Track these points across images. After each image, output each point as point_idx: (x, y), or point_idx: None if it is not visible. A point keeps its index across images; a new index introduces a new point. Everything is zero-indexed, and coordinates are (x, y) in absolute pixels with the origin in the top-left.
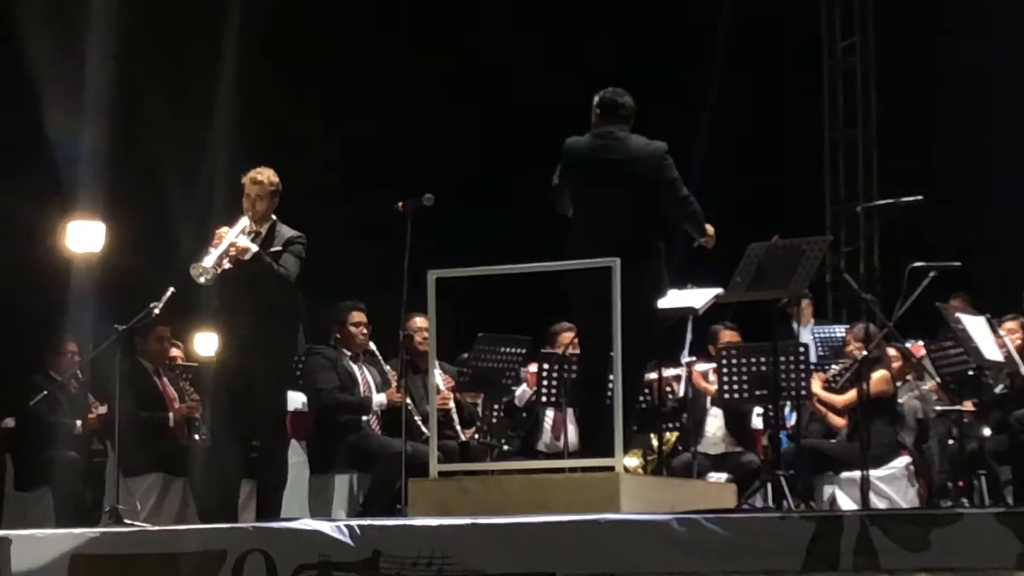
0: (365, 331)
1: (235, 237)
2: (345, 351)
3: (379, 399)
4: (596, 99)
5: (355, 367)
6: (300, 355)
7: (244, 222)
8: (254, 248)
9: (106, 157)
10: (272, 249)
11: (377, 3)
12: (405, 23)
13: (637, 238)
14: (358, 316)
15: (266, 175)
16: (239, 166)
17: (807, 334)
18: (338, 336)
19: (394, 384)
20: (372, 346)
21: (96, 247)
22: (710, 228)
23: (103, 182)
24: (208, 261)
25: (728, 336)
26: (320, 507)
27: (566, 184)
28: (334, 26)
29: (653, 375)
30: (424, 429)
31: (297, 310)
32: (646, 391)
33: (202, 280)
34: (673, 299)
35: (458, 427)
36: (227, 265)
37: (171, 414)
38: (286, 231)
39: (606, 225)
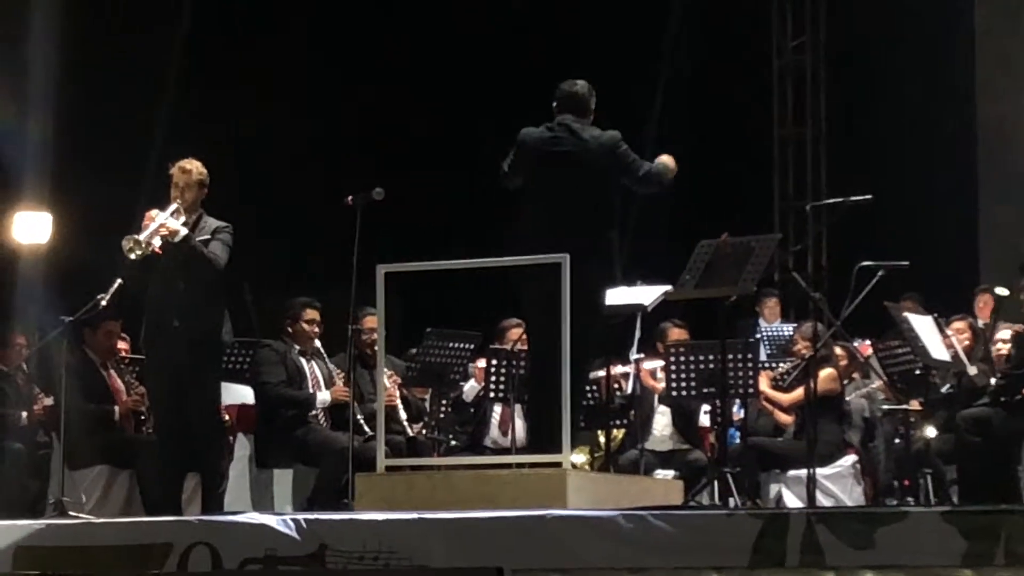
0: (316, 329)
1: (166, 219)
2: (295, 345)
3: (323, 397)
4: (556, 92)
5: (304, 362)
6: (228, 346)
7: (174, 206)
8: (184, 231)
9: (52, 147)
10: (200, 238)
11: None
12: (353, 10)
13: (586, 230)
14: (312, 314)
15: (195, 165)
16: (188, 155)
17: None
18: (289, 331)
19: (339, 382)
20: (318, 343)
21: (42, 238)
22: (665, 159)
23: (49, 172)
24: (140, 235)
25: (676, 334)
26: (263, 501)
27: (517, 174)
28: (287, 12)
29: (601, 372)
30: (367, 429)
31: (225, 302)
32: (594, 388)
33: (132, 255)
34: (622, 296)
35: (405, 422)
36: (157, 243)
37: (117, 407)
38: (213, 222)
39: (555, 216)
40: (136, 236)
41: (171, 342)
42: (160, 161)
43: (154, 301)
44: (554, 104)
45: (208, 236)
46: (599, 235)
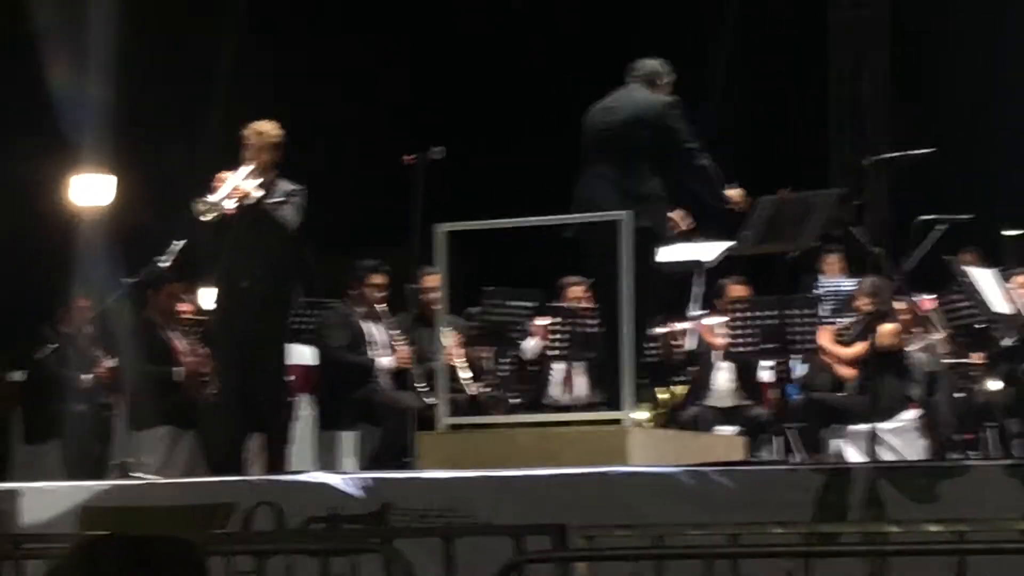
0: (380, 294)
1: (239, 181)
2: (358, 308)
3: (386, 362)
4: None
5: (366, 324)
6: (297, 309)
7: (247, 168)
8: (257, 193)
9: (113, 109)
10: (273, 200)
11: None
12: None
13: (633, 185)
14: (378, 279)
15: (269, 126)
16: (249, 117)
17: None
18: (354, 292)
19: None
20: (381, 307)
21: (105, 200)
22: (733, 193)
23: (112, 135)
24: (212, 198)
25: (737, 290)
26: (328, 462)
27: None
28: None
29: (662, 329)
30: (426, 399)
31: (294, 264)
32: (655, 344)
33: (204, 218)
34: (682, 252)
35: (466, 381)
36: (230, 206)
37: (180, 368)
38: (286, 184)
39: (604, 174)
40: (208, 199)
41: (240, 303)
42: (222, 124)
43: (225, 262)
44: None
45: (282, 198)
46: (643, 190)
